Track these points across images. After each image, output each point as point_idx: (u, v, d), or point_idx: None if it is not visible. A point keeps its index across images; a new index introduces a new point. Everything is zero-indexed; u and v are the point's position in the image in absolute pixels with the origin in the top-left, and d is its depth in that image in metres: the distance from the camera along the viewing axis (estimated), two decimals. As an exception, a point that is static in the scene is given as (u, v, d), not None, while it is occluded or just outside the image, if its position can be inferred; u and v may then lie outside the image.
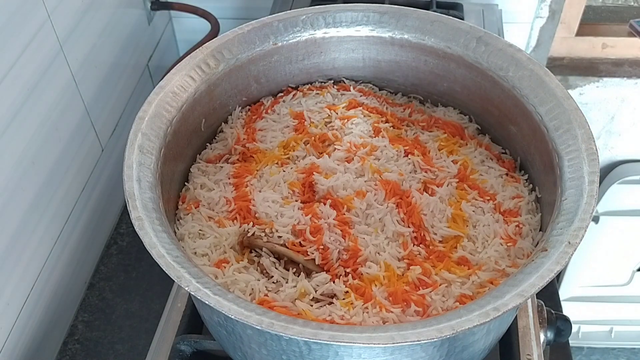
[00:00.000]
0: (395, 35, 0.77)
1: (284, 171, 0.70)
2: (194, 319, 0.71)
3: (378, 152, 0.71)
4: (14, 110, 0.75)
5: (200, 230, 0.65)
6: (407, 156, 0.71)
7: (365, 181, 0.67)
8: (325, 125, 0.76)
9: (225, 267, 0.61)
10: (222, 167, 0.72)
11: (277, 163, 0.71)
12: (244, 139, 0.74)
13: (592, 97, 1.37)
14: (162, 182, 0.62)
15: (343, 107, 0.77)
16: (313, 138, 0.73)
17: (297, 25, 0.77)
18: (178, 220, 0.68)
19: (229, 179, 0.70)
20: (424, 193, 0.67)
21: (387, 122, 0.76)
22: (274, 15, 0.77)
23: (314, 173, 0.68)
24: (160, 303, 0.74)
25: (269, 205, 0.65)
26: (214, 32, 1.14)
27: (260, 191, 0.68)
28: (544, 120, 0.65)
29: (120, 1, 1.05)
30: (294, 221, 0.63)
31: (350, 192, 0.66)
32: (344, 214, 0.64)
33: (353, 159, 0.70)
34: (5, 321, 0.75)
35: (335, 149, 0.71)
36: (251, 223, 0.64)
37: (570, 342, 0.83)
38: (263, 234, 0.63)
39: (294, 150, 0.72)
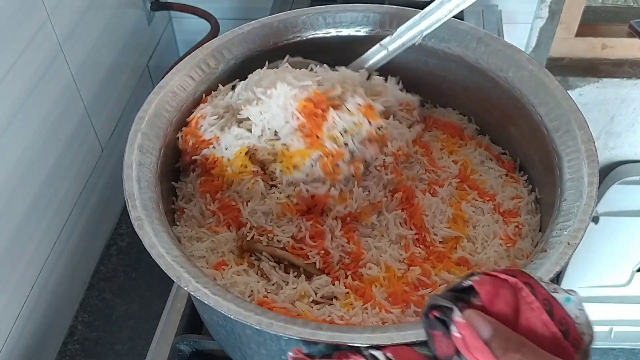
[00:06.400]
0: (395, 36, 0.77)
1: (272, 195, 0.64)
2: (194, 319, 0.71)
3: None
4: (14, 110, 0.75)
5: (196, 235, 0.64)
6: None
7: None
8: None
9: (224, 270, 0.60)
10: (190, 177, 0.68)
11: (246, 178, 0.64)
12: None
13: (591, 97, 1.36)
14: (162, 182, 0.62)
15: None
16: None
17: (297, 26, 0.77)
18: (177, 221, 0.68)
19: (200, 193, 0.66)
20: (427, 194, 0.67)
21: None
22: (274, 15, 0.77)
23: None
24: (159, 303, 0.74)
25: (259, 217, 0.63)
26: (214, 33, 1.14)
27: (247, 203, 0.64)
28: (544, 120, 0.65)
29: (120, 1, 1.05)
30: (294, 228, 0.62)
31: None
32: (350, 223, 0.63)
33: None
34: (5, 321, 0.75)
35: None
36: (249, 226, 0.63)
37: (569, 342, 0.82)
38: (263, 238, 0.62)
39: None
